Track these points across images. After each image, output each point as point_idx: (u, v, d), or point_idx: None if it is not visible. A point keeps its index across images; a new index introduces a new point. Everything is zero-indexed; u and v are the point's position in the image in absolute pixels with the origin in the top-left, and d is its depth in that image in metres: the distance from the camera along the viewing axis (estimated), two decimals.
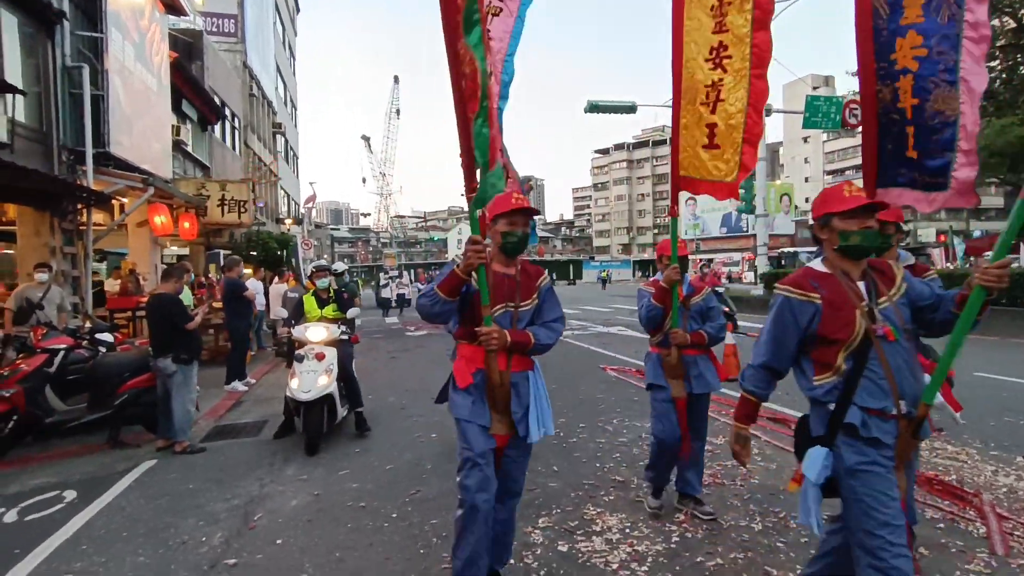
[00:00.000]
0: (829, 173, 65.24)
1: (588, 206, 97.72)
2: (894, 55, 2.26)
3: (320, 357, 5.34)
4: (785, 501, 3.78)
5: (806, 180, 66.03)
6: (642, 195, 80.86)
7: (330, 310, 5.88)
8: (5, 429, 5.08)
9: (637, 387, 7.40)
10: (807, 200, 64.94)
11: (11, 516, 3.97)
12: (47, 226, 7.95)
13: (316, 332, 5.61)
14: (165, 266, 15.23)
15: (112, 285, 10.78)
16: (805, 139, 65.34)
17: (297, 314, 5.96)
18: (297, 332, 5.67)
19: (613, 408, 6.36)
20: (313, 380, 5.17)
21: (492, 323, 2.47)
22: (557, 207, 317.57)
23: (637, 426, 5.63)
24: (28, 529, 3.75)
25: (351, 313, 6.02)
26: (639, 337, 12.20)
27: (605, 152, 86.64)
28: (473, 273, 2.44)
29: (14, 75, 7.55)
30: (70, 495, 4.31)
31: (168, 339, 5.28)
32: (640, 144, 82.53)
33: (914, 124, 2.26)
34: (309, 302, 5.88)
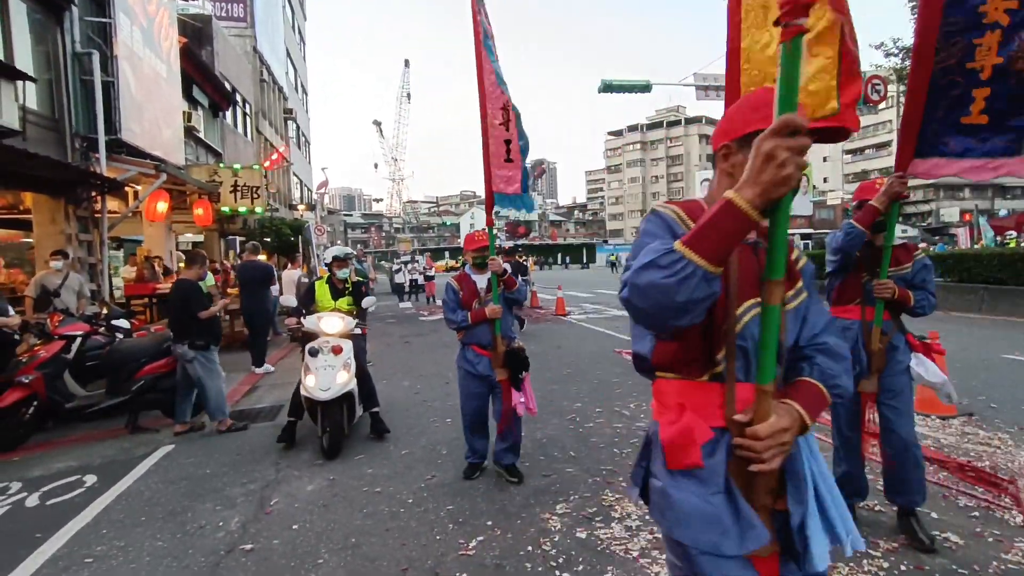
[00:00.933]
0: (848, 152, 63.85)
1: (601, 189, 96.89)
2: (983, 7, 2.07)
3: (337, 351, 4.84)
4: None
5: (824, 160, 64.72)
6: (656, 177, 79.91)
7: (344, 303, 5.38)
8: (27, 414, 5.15)
9: None
10: (825, 180, 63.72)
11: (33, 500, 4.01)
12: (62, 213, 7.99)
13: (331, 323, 5.10)
14: (181, 253, 15.37)
15: (128, 272, 10.87)
16: None
17: (307, 300, 5.38)
18: (309, 323, 5.10)
19: (629, 393, 6.28)
20: (332, 376, 4.69)
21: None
22: (570, 191, 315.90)
23: None
24: (50, 513, 3.78)
25: (367, 303, 5.51)
26: None
27: (619, 134, 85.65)
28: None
29: (24, 62, 7.52)
30: (90, 479, 4.34)
31: (186, 325, 5.26)
32: (654, 125, 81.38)
33: (991, 85, 2.08)
34: (322, 289, 5.39)
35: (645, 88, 16.52)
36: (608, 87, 16.22)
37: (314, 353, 4.81)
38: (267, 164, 17.52)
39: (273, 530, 3.42)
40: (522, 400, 3.85)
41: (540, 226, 77.33)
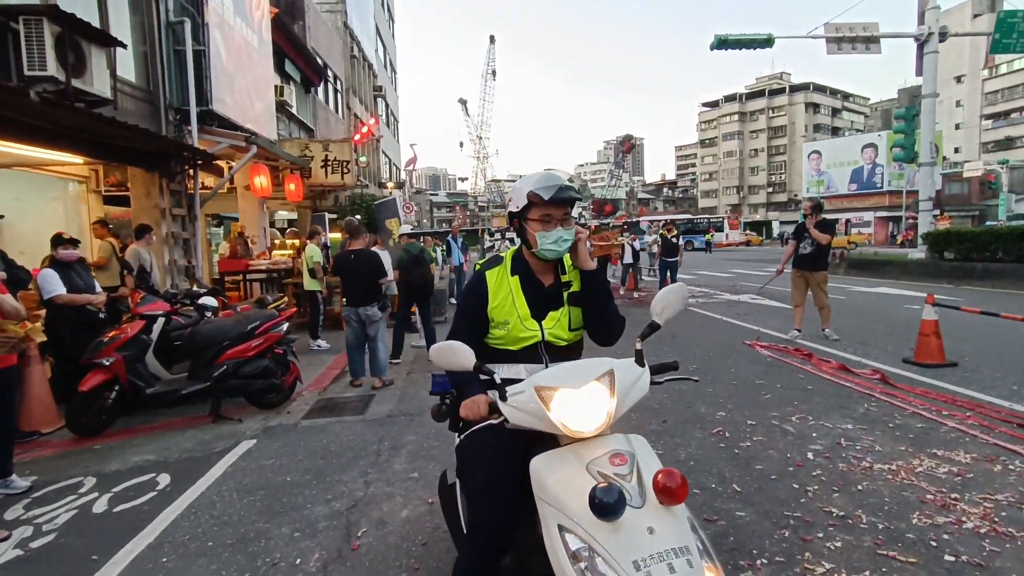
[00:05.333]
0: (987, 117, 55.95)
1: (693, 164, 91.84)
2: None
3: (672, 496, 1.40)
4: None
5: (956, 127, 57.13)
6: (755, 151, 74.14)
7: (562, 321, 1.95)
8: (109, 398, 4.79)
9: (806, 372, 5.95)
10: (957, 151, 56.25)
11: (101, 505, 3.52)
12: (157, 187, 7.80)
13: (585, 407, 1.53)
14: (277, 230, 15.47)
15: (225, 249, 10.83)
16: (959, 79, 56.13)
17: (465, 312, 2.02)
18: (522, 404, 1.58)
19: (785, 400, 5.03)
20: None
21: None
22: (658, 167, 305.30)
23: (828, 427, 4.30)
24: (114, 524, 3.25)
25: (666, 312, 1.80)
26: (781, 307, 10.48)
27: (714, 105, 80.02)
28: None
29: (121, 32, 7.31)
30: (164, 480, 3.83)
31: (376, 290, 5.90)
32: (755, 94, 75.26)
33: None
34: (502, 285, 1.96)
35: (766, 43, 14.54)
36: (723, 43, 14.40)
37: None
38: (357, 137, 17.29)
39: None
40: None
41: (628, 204, 74.47)
